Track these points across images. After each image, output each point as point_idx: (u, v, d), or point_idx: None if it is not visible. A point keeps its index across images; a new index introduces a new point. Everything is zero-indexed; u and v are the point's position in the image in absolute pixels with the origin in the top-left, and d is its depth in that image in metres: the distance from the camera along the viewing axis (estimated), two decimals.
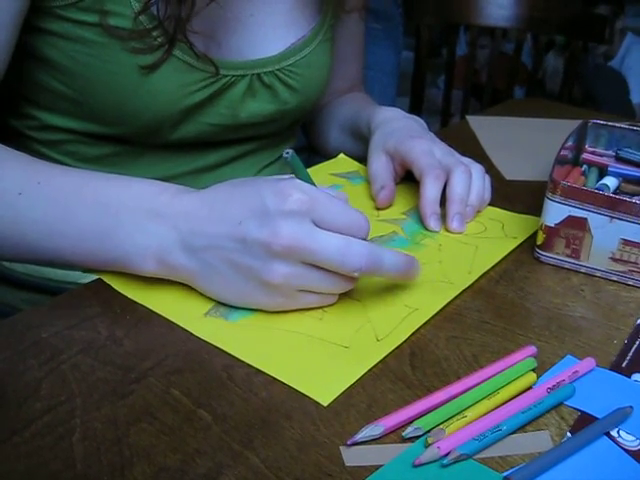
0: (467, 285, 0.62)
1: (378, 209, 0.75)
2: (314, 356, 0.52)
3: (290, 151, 0.51)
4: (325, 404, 0.47)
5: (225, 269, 0.53)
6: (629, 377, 0.52)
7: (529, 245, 0.69)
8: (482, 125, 1.07)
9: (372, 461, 0.43)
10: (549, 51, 3.49)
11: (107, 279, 0.59)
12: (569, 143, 0.73)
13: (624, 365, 0.53)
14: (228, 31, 0.76)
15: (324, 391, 0.48)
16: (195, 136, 0.77)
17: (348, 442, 0.44)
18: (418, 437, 0.45)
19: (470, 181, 0.73)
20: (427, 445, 0.44)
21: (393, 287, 0.60)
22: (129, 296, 0.57)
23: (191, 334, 0.53)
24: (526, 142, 1.01)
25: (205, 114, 0.76)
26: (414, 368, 0.51)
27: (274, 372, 0.50)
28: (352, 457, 0.43)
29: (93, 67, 0.68)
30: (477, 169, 0.75)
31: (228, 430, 0.45)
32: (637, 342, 0.56)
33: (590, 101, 3.12)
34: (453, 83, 1.92)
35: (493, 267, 0.65)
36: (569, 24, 1.74)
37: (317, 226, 0.52)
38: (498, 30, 1.83)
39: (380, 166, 0.77)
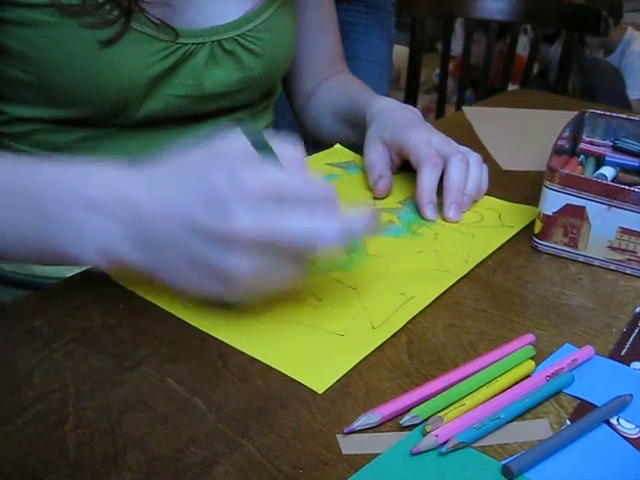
0: (463, 274, 0.61)
1: (375, 198, 0.75)
2: (309, 344, 0.51)
3: (244, 119, 0.47)
4: (320, 392, 0.47)
5: (179, 260, 0.49)
6: (628, 365, 0.51)
7: (527, 234, 0.68)
8: (478, 116, 1.07)
9: (369, 449, 0.43)
10: (554, 42, 3.47)
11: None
12: (566, 133, 0.73)
13: (623, 353, 0.53)
14: None
15: (319, 379, 0.48)
16: (162, 111, 0.75)
17: (345, 430, 0.44)
18: (416, 425, 0.44)
19: (467, 170, 0.72)
20: (425, 433, 0.43)
21: (389, 275, 0.60)
22: (123, 285, 0.57)
23: (185, 322, 0.53)
24: (523, 133, 1.01)
25: (169, 86, 0.74)
26: (411, 356, 0.51)
27: (269, 360, 0.49)
28: (349, 445, 0.43)
29: (51, 49, 0.67)
30: (474, 158, 0.74)
31: (223, 418, 0.44)
32: (636, 330, 0.55)
33: (587, 94, 3.12)
34: (447, 77, 1.92)
35: (490, 256, 0.65)
36: (564, 17, 1.74)
37: (281, 207, 0.47)
38: (493, 24, 1.83)
39: (377, 156, 0.77)
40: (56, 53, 0.67)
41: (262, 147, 0.49)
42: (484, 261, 0.64)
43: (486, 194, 0.76)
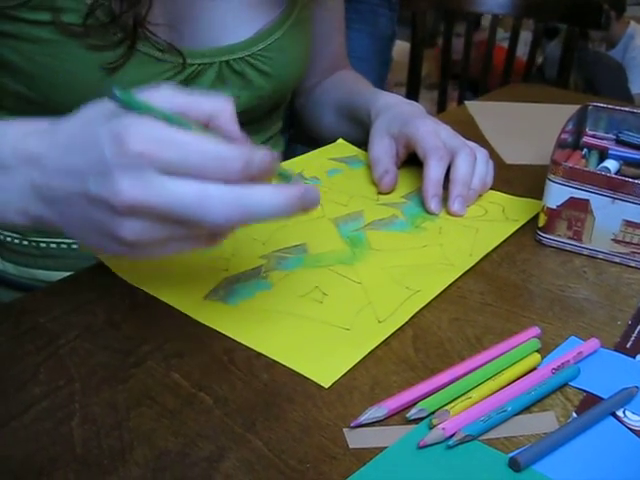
0: (468, 267, 0.61)
1: (379, 193, 0.74)
2: (315, 339, 0.51)
3: (114, 89, 0.43)
4: (326, 386, 0.47)
5: (80, 222, 0.46)
6: (634, 358, 0.51)
7: (531, 228, 0.68)
8: (481, 110, 1.07)
9: (376, 443, 0.43)
10: (553, 38, 3.46)
11: (106, 262, 0.58)
12: (569, 127, 0.72)
13: (628, 346, 0.52)
14: (191, 19, 0.73)
15: (325, 373, 0.48)
16: None
17: (352, 424, 0.44)
18: (422, 419, 0.44)
19: (474, 164, 0.72)
20: (432, 426, 0.43)
21: (394, 269, 0.60)
22: (127, 280, 0.57)
23: (190, 317, 0.53)
24: (525, 127, 1.00)
25: None
26: (417, 350, 0.51)
27: (275, 355, 0.49)
28: (356, 439, 0.43)
29: (52, 68, 0.65)
30: (482, 153, 0.74)
31: (230, 413, 0.44)
32: None
33: (589, 89, 3.11)
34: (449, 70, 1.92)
35: (495, 250, 0.65)
36: (566, 10, 1.74)
37: (168, 173, 0.42)
38: (494, 18, 1.82)
39: (382, 150, 0.76)
40: (58, 72, 0.66)
41: (153, 113, 0.44)
42: (489, 255, 0.64)
43: (490, 188, 0.76)
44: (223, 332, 0.51)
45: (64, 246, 0.76)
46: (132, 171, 0.42)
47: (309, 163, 0.81)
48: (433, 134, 0.73)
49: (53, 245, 0.76)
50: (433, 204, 0.70)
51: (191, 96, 0.47)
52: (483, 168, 0.73)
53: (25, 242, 0.76)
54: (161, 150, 0.42)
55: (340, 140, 0.88)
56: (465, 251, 0.64)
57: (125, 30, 0.65)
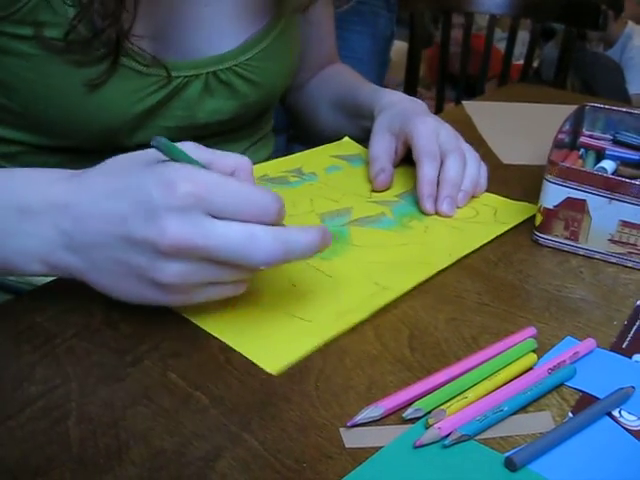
0: (443, 267, 0.61)
1: (373, 191, 0.75)
2: (272, 327, 0.52)
3: (158, 137, 0.45)
4: (274, 373, 0.47)
5: (114, 268, 0.48)
6: (630, 358, 0.51)
7: (527, 228, 0.68)
8: (478, 110, 1.07)
9: (372, 443, 0.43)
10: (549, 40, 3.46)
11: None
12: (566, 127, 0.73)
13: (624, 346, 0.53)
14: (177, 30, 0.72)
15: (274, 360, 0.48)
16: None
17: (348, 424, 0.44)
18: (418, 418, 0.44)
19: (464, 167, 0.72)
20: (428, 426, 0.43)
21: (368, 265, 0.60)
22: None
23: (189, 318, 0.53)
24: (523, 127, 1.01)
25: (160, 118, 0.73)
26: (413, 350, 0.51)
27: (228, 339, 0.50)
28: (352, 439, 0.43)
29: (36, 82, 0.65)
30: (472, 156, 0.75)
31: (226, 412, 0.44)
32: (637, 323, 0.55)
33: (586, 90, 3.11)
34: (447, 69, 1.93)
35: (492, 250, 0.65)
36: (563, 10, 1.74)
37: (214, 216, 0.45)
38: (491, 19, 1.82)
39: (382, 148, 0.77)
40: (41, 86, 0.65)
41: (188, 161, 0.47)
42: (485, 255, 0.64)
43: (487, 189, 0.76)
44: (185, 317, 0.52)
45: None
46: (180, 212, 0.44)
47: (310, 159, 0.81)
48: (431, 133, 0.73)
49: None
50: (428, 204, 0.70)
51: (215, 152, 0.50)
52: (474, 170, 0.73)
53: None
54: (209, 193, 0.45)
55: (346, 138, 0.88)
56: (445, 250, 0.63)
57: (108, 45, 0.64)
